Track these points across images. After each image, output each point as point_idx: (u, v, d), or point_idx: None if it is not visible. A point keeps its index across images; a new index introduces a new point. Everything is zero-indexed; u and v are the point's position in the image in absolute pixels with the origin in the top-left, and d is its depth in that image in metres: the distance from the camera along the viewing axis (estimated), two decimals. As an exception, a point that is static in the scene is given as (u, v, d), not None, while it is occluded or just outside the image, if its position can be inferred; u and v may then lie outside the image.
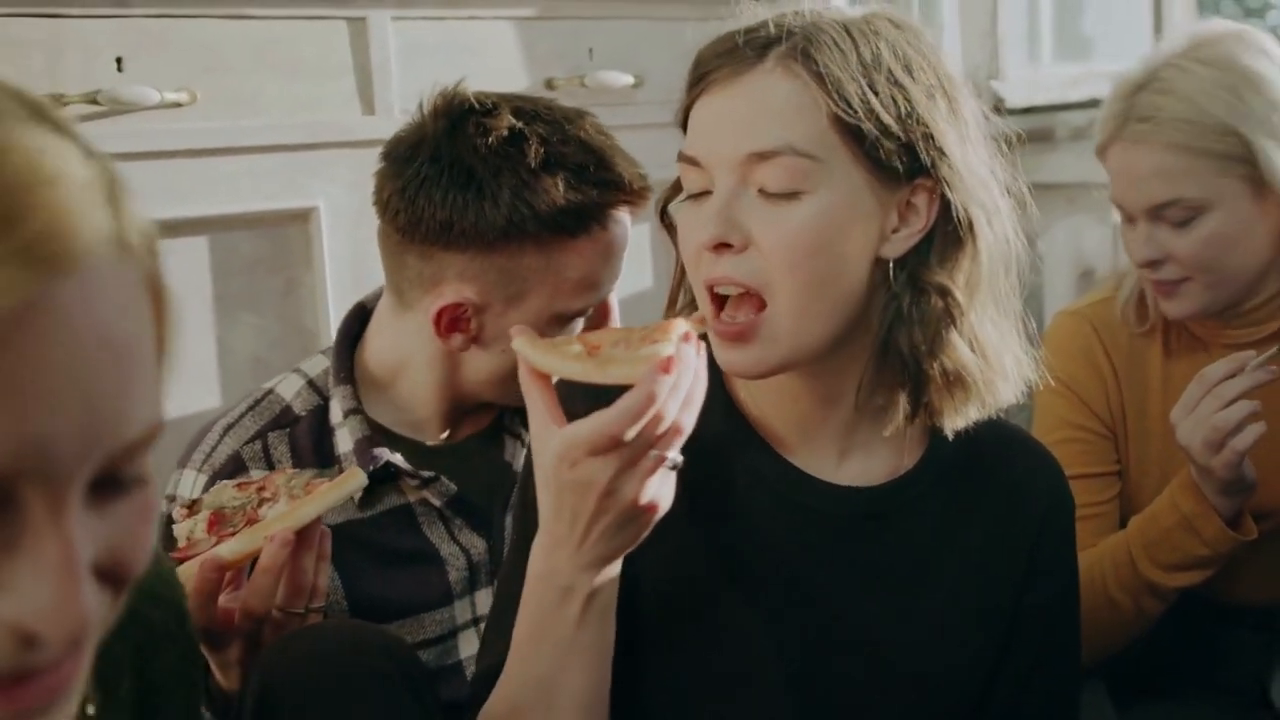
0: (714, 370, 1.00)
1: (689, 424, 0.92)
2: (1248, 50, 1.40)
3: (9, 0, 1.38)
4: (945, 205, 0.99)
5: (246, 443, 1.30)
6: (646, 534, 0.95)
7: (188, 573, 1.05)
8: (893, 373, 1.02)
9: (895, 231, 1.00)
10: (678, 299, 1.10)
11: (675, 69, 1.86)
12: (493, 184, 1.23)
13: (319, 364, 1.37)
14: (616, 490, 0.90)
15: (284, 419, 1.33)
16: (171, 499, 1.30)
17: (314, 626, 1.09)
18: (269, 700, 1.00)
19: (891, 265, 1.00)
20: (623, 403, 0.88)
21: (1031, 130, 2.54)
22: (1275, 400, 1.47)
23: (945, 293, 1.00)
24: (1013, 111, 2.32)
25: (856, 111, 0.95)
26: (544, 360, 0.94)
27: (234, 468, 1.28)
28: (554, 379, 0.96)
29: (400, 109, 1.42)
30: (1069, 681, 1.18)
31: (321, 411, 1.33)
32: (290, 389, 1.35)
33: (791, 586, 1.06)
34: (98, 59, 1.44)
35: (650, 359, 0.89)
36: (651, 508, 0.93)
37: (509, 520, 1.31)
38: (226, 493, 1.15)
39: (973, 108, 1.05)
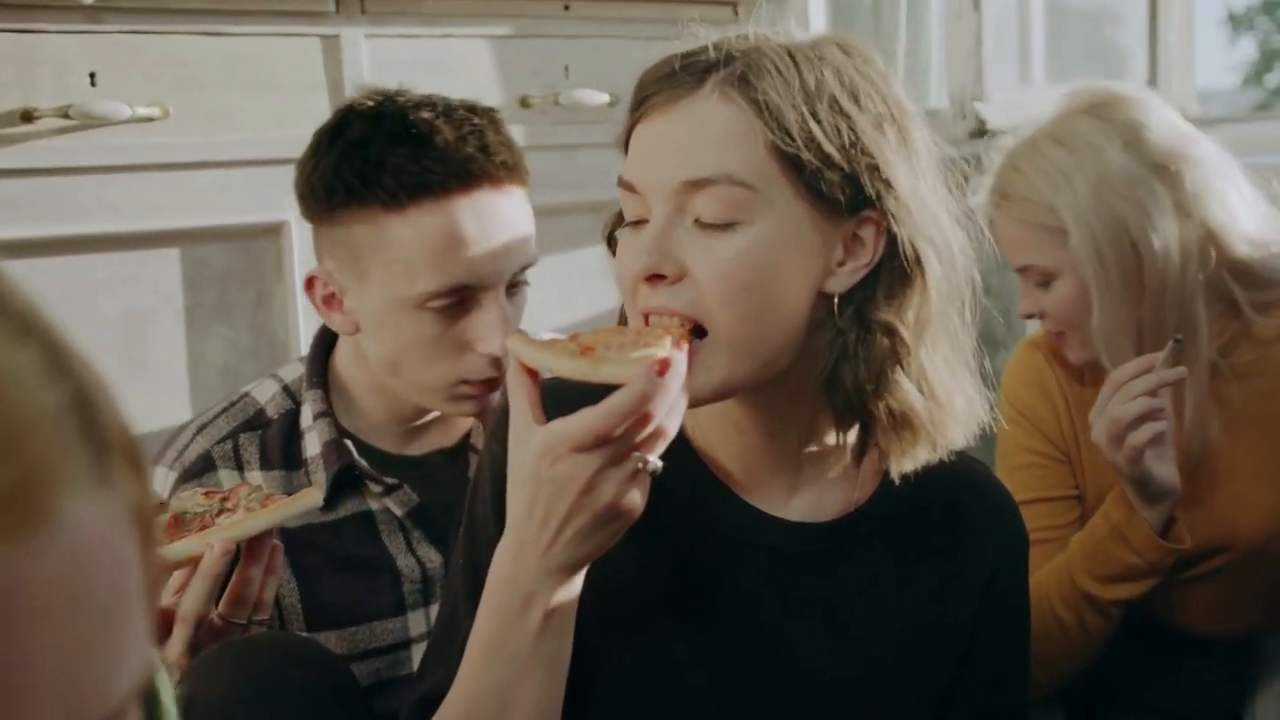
0: None
1: (673, 429, 0.91)
2: (1101, 125, 1.43)
3: (-18, 16, 1.41)
4: (893, 239, 0.96)
5: (217, 442, 1.32)
6: (613, 541, 0.93)
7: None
8: (838, 410, 0.99)
9: (840, 265, 0.96)
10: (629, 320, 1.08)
11: (650, 87, 1.89)
12: (325, 155, 1.25)
13: (295, 370, 1.39)
14: (595, 489, 0.89)
15: (256, 421, 1.35)
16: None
17: (243, 639, 1.10)
18: (192, 712, 1.01)
19: (837, 300, 0.97)
20: (613, 400, 0.87)
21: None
22: (1241, 429, 1.49)
23: (892, 332, 0.96)
24: (998, 133, 2.32)
25: (796, 141, 0.92)
26: (536, 356, 0.92)
27: (203, 466, 1.31)
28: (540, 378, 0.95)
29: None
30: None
31: (293, 415, 1.36)
32: (265, 393, 1.38)
33: (736, 621, 1.05)
34: (71, 74, 1.47)
35: (644, 360, 0.87)
36: (626, 511, 0.91)
37: None
38: (193, 499, 1.17)
39: (924, 138, 1.00)
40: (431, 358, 1.26)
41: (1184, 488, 1.43)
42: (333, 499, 1.30)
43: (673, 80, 0.96)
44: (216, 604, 1.11)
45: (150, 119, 1.51)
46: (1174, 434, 1.39)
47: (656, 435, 0.89)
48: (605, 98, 1.83)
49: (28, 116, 1.44)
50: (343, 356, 1.37)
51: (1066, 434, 1.54)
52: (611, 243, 1.06)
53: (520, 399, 0.92)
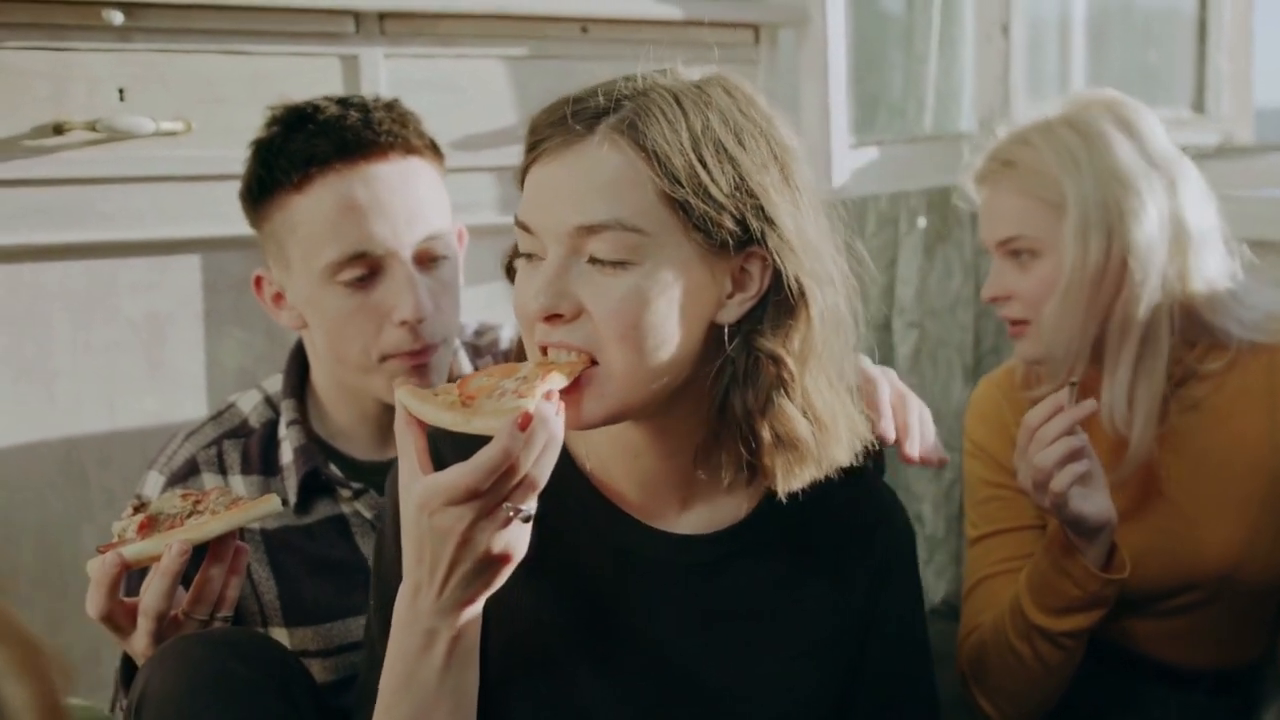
0: None
1: (543, 478, 0.95)
2: (1114, 121, 1.48)
3: (18, 33, 1.50)
4: (778, 273, 1.01)
5: (203, 448, 1.40)
6: (503, 580, 0.98)
7: (94, 564, 1.14)
8: (728, 433, 1.04)
9: (729, 298, 1.02)
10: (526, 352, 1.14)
11: (664, 109, 1.94)
12: (249, 164, 1.37)
13: (278, 381, 1.47)
14: (472, 539, 0.94)
15: (241, 430, 1.43)
16: (138, 498, 1.40)
17: (194, 634, 1.15)
18: (143, 704, 1.07)
19: (726, 330, 1.02)
20: (479, 457, 0.92)
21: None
22: (1197, 464, 1.49)
23: (777, 360, 1.01)
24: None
25: (684, 187, 0.97)
26: (419, 407, 0.97)
27: (188, 470, 1.39)
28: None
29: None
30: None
31: (273, 424, 1.44)
32: (249, 403, 1.46)
33: (633, 638, 1.10)
34: (101, 89, 1.56)
35: (511, 414, 0.92)
36: (505, 557, 0.96)
37: None
38: (170, 500, 1.24)
39: (806, 175, 1.05)
40: (354, 333, 1.34)
41: (1145, 524, 1.44)
42: (307, 503, 1.37)
43: (564, 126, 1.00)
44: (182, 600, 1.18)
45: (174, 133, 1.59)
46: (1113, 464, 1.40)
47: (526, 485, 0.94)
48: (620, 118, 1.88)
49: (59, 129, 1.53)
50: (313, 364, 1.45)
51: None
52: (510, 271, 1.12)
53: (406, 449, 0.97)
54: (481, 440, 0.93)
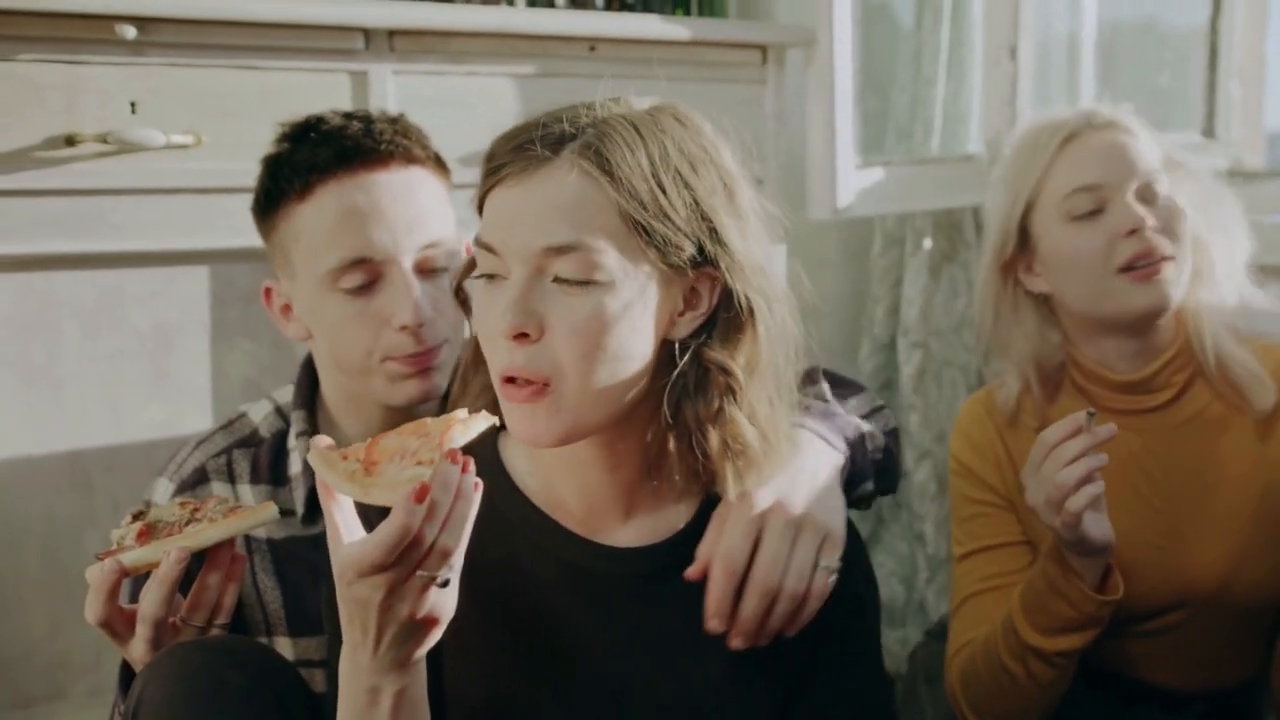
0: (492, 449, 1.10)
1: (454, 543, 0.96)
2: None
3: (33, 46, 1.53)
4: (727, 291, 1.07)
5: (213, 457, 1.42)
6: (435, 638, 1.00)
7: (92, 571, 1.16)
8: (678, 441, 1.08)
9: (681, 315, 1.07)
10: (473, 366, 1.17)
11: (671, 128, 1.95)
12: (260, 173, 1.40)
13: (288, 392, 1.49)
14: (392, 608, 0.96)
15: (251, 440, 1.45)
16: (147, 504, 1.42)
17: (191, 642, 1.16)
18: (139, 710, 1.09)
19: (678, 345, 1.07)
20: (378, 534, 0.93)
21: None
22: (1184, 482, 1.51)
23: (727, 371, 1.07)
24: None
25: (647, 209, 1.02)
26: (325, 473, 0.98)
27: (198, 478, 1.41)
28: None
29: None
30: None
31: (283, 435, 1.45)
32: (259, 413, 1.48)
33: (578, 650, 1.12)
34: (113, 102, 1.58)
35: (410, 485, 0.92)
36: (430, 621, 0.98)
37: None
38: (169, 509, 1.25)
39: (750, 199, 1.11)
40: (355, 339, 1.36)
41: (1135, 540, 1.45)
42: (314, 514, 1.38)
43: (528, 150, 1.03)
44: (180, 607, 1.20)
45: (184, 146, 1.61)
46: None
47: (436, 555, 0.95)
48: (627, 136, 1.89)
49: (71, 141, 1.55)
50: (322, 376, 1.46)
51: (1009, 482, 1.57)
52: (458, 293, 1.17)
53: (327, 514, 0.98)
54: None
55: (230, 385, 1.70)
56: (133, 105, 1.59)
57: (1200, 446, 1.53)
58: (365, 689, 1.00)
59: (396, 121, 1.40)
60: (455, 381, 1.25)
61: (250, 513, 1.20)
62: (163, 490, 1.44)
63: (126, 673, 1.24)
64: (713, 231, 1.05)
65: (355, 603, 0.96)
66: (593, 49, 1.89)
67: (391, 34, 1.73)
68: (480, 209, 1.08)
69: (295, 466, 1.42)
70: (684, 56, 1.96)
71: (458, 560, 0.98)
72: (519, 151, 1.03)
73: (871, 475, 1.32)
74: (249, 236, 1.67)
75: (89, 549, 1.64)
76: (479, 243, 1.05)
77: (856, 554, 1.21)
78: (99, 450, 1.64)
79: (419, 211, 1.37)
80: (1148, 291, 1.48)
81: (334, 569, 0.97)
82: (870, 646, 1.24)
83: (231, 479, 1.42)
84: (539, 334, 1.02)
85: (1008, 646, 1.43)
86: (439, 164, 1.43)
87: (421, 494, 0.92)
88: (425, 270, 1.37)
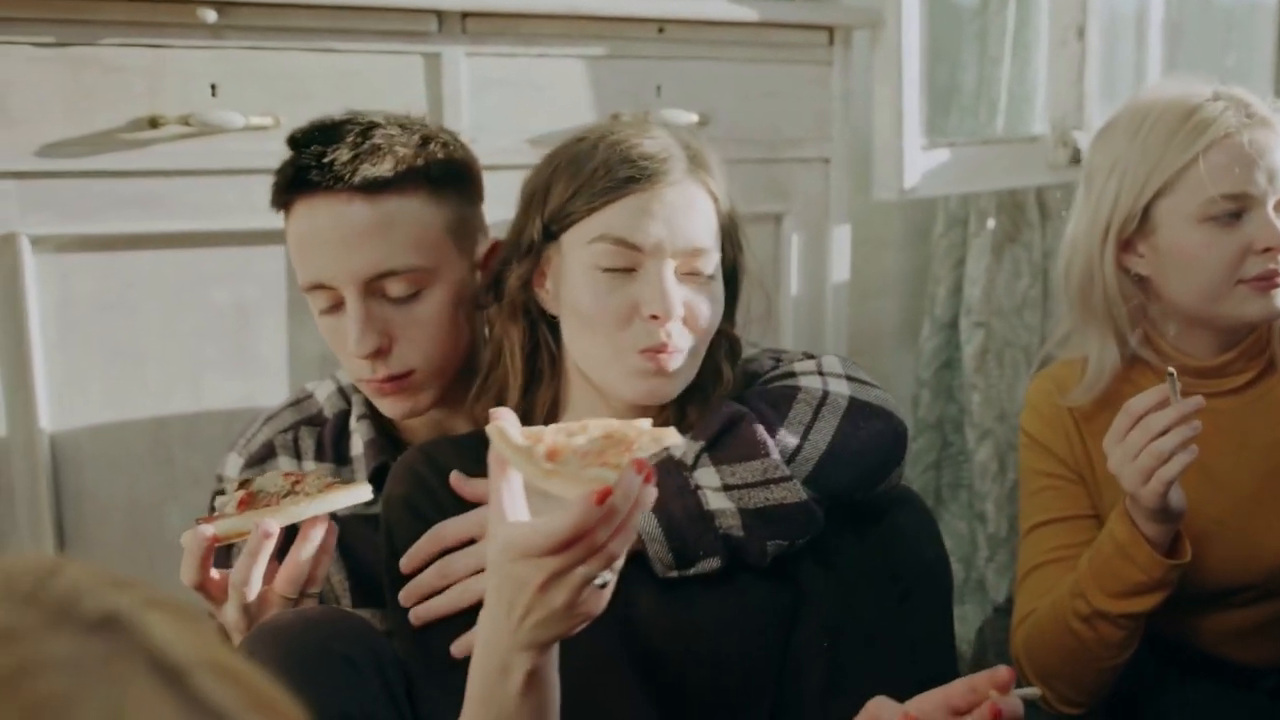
0: None
1: (621, 549, 0.99)
2: None
3: (117, 31, 1.56)
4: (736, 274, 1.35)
5: (280, 433, 1.46)
6: (577, 630, 1.02)
7: (187, 536, 1.19)
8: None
9: None
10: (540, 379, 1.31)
11: (740, 108, 1.97)
12: None
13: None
14: (548, 591, 0.97)
15: (316, 419, 1.49)
16: (220, 479, 1.46)
17: (293, 613, 1.19)
18: None
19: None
20: (551, 523, 0.95)
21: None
22: (1249, 455, 1.51)
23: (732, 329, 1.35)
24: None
25: (728, 217, 1.29)
26: (506, 450, 0.99)
27: (265, 453, 1.45)
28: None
29: (470, 139, 1.54)
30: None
31: (345, 415, 1.49)
32: (324, 392, 1.52)
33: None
34: (194, 85, 1.61)
35: (593, 483, 0.94)
36: (580, 613, 1.00)
37: None
38: (273, 479, 1.29)
39: None
40: (339, 353, 1.40)
41: (1201, 516, 1.46)
42: (377, 493, 1.41)
43: (668, 163, 1.24)
44: (270, 576, 1.23)
45: (263, 128, 1.64)
46: None
47: (603, 556, 0.97)
48: (694, 118, 1.91)
49: (154, 123, 1.59)
50: None
51: (1079, 455, 1.58)
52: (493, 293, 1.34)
53: (493, 489, 1.01)
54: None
55: (306, 361, 1.73)
56: (213, 88, 1.63)
57: (1268, 428, 1.53)
58: (499, 662, 1.01)
59: (373, 143, 1.35)
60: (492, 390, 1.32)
61: (344, 491, 1.23)
62: (233, 465, 1.48)
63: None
64: (738, 228, 1.33)
65: (511, 580, 0.98)
66: (661, 30, 1.90)
67: (464, 16, 1.75)
68: (571, 212, 1.24)
69: (357, 447, 1.45)
70: (751, 38, 1.97)
71: (619, 564, 1.00)
72: (659, 162, 1.24)
73: (718, 551, 1.23)
74: (325, 216, 1.71)
75: (171, 522, 1.69)
76: (625, 242, 1.21)
77: (921, 525, 1.33)
78: (180, 424, 1.68)
79: (364, 240, 1.33)
80: (1264, 303, 1.47)
81: (495, 543, 0.99)
82: (933, 609, 1.31)
83: (297, 455, 1.45)
84: (681, 317, 1.22)
85: (1075, 610, 1.44)
86: (425, 186, 1.37)
87: (603, 497, 0.94)
88: (391, 298, 1.35)
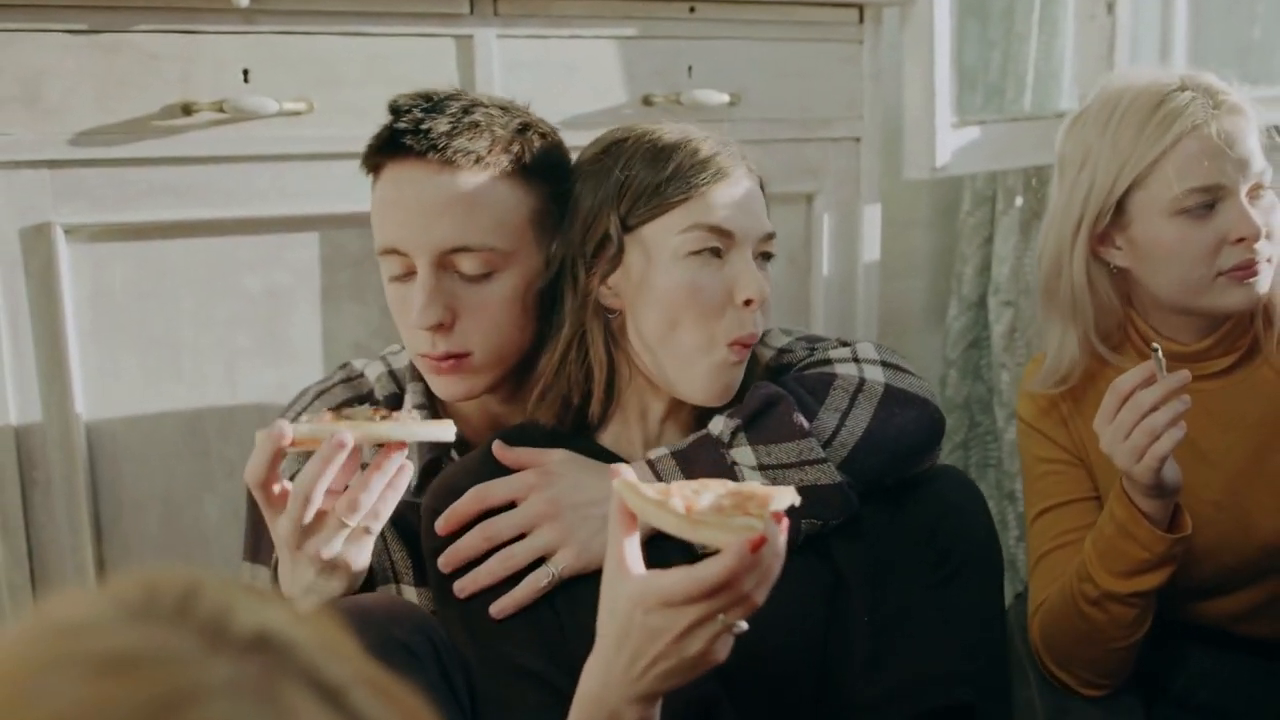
0: None
1: (761, 598, 0.99)
2: None
3: (150, 17, 1.54)
4: None
5: (331, 409, 1.44)
6: (695, 677, 1.02)
7: (261, 433, 1.18)
8: None
9: None
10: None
11: (771, 88, 1.95)
12: None
13: (399, 356, 1.50)
14: (683, 643, 0.98)
15: (368, 398, 1.47)
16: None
17: (350, 600, 1.18)
18: None
19: None
20: (707, 571, 0.95)
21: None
22: (1244, 432, 1.50)
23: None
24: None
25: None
26: (641, 506, 0.99)
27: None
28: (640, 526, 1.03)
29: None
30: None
31: (397, 400, 1.47)
32: (374, 372, 1.50)
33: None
34: (226, 71, 1.60)
35: (743, 532, 0.95)
36: (709, 661, 1.00)
37: None
38: (364, 410, 1.29)
39: None
40: (401, 327, 1.38)
41: (1196, 499, 1.45)
42: (424, 487, 1.40)
43: (735, 156, 1.32)
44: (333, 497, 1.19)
45: (296, 113, 1.63)
46: None
47: (746, 605, 0.98)
48: (726, 98, 1.89)
49: (187, 110, 1.57)
50: None
51: (1075, 438, 1.58)
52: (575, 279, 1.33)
53: (616, 542, 1.01)
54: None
55: (341, 348, 1.72)
56: (245, 74, 1.61)
57: (1255, 408, 1.53)
58: (606, 712, 1.01)
59: (472, 119, 1.34)
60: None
61: (422, 425, 1.22)
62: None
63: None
64: None
65: (644, 631, 0.98)
66: (693, 10, 1.88)
67: (496, -2, 1.73)
68: (657, 205, 1.28)
69: None
70: (782, 16, 1.95)
71: (750, 613, 1.00)
72: (731, 155, 1.31)
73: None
74: (358, 202, 1.68)
75: (208, 512, 1.68)
76: (720, 229, 1.26)
77: (970, 498, 1.35)
78: (215, 414, 1.67)
79: (445, 212, 1.31)
80: (1243, 292, 1.47)
81: (626, 596, 0.99)
82: (984, 583, 1.32)
83: None
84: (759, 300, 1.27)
85: (1084, 594, 1.45)
86: (516, 171, 1.35)
87: (759, 544, 0.95)
88: (463, 274, 1.34)
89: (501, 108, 1.39)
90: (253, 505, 1.43)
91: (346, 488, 1.19)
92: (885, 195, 2.17)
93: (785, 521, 1.00)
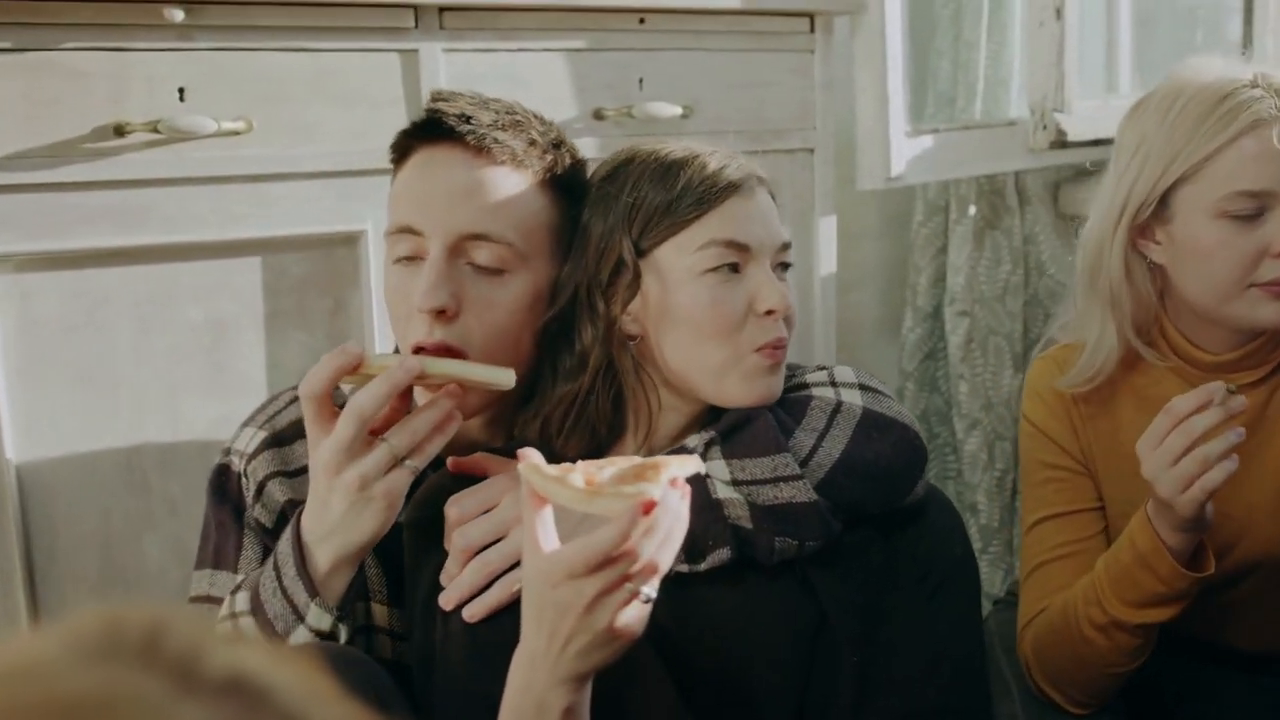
0: None
1: (665, 563, 1.02)
2: None
3: (78, 33, 1.47)
4: None
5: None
6: (618, 655, 1.03)
7: (329, 355, 1.17)
8: None
9: None
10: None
11: (723, 99, 1.91)
12: None
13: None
14: (593, 612, 1.00)
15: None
16: (227, 452, 1.38)
17: (297, 647, 1.15)
18: None
19: None
20: (599, 537, 0.97)
21: (1103, 161, 2.52)
22: (1261, 445, 1.47)
23: None
24: (1078, 144, 2.30)
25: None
26: (543, 484, 1.02)
27: (295, 433, 1.37)
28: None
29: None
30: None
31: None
32: (345, 388, 1.43)
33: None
34: (161, 89, 1.52)
35: (634, 498, 0.97)
36: (623, 634, 1.02)
37: None
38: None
39: None
40: (395, 312, 1.33)
41: (1221, 516, 1.42)
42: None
43: (750, 173, 1.28)
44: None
45: (236, 133, 1.56)
46: None
47: (646, 569, 1.00)
48: (678, 110, 1.85)
49: (120, 130, 1.49)
50: None
51: (1084, 446, 1.53)
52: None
53: (528, 523, 1.03)
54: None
55: (287, 378, 1.64)
56: (181, 92, 1.54)
57: (1274, 422, 1.49)
58: (534, 701, 1.02)
59: (515, 119, 1.34)
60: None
61: (486, 368, 1.22)
62: (249, 438, 1.39)
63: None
64: None
65: (554, 607, 1.00)
66: (642, 21, 1.84)
67: (441, 11, 1.67)
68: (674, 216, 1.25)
69: None
70: (733, 26, 1.91)
71: (657, 580, 1.02)
72: (743, 173, 1.28)
73: (727, 541, 1.21)
74: (302, 224, 1.63)
75: (149, 553, 1.60)
76: (734, 243, 1.24)
77: (948, 521, 1.33)
78: (156, 451, 1.59)
79: (471, 197, 1.29)
80: (1276, 309, 1.40)
81: (536, 573, 1.01)
82: (962, 607, 1.31)
83: None
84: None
85: (1089, 618, 1.40)
86: (547, 180, 1.33)
87: (649, 507, 0.97)
88: (475, 264, 1.29)
89: (540, 119, 1.39)
90: (214, 513, 1.39)
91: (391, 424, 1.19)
92: (837, 206, 2.13)
93: (687, 488, 1.03)
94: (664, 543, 1.01)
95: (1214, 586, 1.48)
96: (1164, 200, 1.43)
